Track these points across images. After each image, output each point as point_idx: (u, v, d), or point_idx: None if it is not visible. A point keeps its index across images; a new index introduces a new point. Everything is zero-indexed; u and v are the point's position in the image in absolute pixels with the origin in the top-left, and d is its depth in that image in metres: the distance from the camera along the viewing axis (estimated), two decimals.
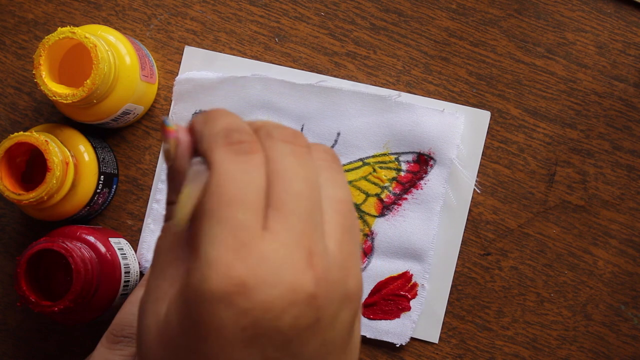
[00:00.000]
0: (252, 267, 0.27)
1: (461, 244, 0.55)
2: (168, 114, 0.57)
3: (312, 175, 0.30)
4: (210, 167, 0.29)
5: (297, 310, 0.27)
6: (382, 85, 0.56)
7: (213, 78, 0.56)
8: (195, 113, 0.56)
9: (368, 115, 0.55)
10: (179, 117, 0.56)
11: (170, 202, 0.32)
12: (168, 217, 0.32)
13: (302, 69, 0.56)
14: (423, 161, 0.55)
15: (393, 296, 0.55)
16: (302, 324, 0.28)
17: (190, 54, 0.57)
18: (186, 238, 0.31)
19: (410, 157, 0.55)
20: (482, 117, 0.55)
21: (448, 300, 0.55)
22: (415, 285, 0.55)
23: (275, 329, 0.27)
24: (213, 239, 0.28)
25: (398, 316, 0.54)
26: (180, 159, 0.31)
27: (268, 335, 0.27)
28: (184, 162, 0.31)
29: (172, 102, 0.56)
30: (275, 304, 0.27)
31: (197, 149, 0.31)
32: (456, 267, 0.55)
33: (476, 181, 0.55)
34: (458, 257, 0.55)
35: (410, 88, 0.56)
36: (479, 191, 0.55)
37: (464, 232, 0.55)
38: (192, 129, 0.32)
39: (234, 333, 0.27)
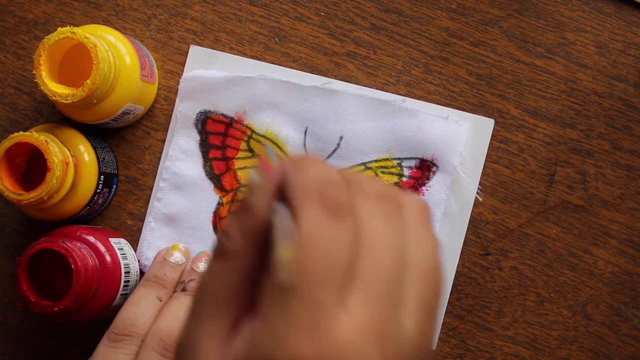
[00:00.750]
0: (319, 351, 0.25)
1: (461, 244, 0.55)
2: (170, 114, 0.57)
3: (402, 245, 0.28)
4: (297, 222, 0.27)
5: None
6: (382, 85, 0.56)
7: (219, 77, 0.56)
8: (200, 112, 0.56)
9: (372, 120, 0.55)
10: (182, 116, 0.56)
11: (230, 237, 0.29)
12: (220, 252, 0.29)
13: (302, 69, 0.56)
14: (426, 167, 0.55)
15: None
16: None
17: (196, 53, 0.56)
18: (237, 291, 0.28)
19: (412, 163, 0.55)
20: (486, 125, 0.55)
21: (448, 301, 0.55)
22: None
23: None
24: (286, 312, 0.26)
25: None
26: (262, 196, 0.29)
27: None
28: (262, 204, 0.29)
29: (177, 100, 0.56)
30: None
31: (284, 196, 0.28)
32: (456, 267, 0.55)
33: (478, 188, 0.55)
34: (458, 256, 0.55)
35: (410, 88, 0.56)
36: (480, 199, 0.55)
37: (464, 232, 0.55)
38: (281, 171, 0.29)
39: None
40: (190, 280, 0.52)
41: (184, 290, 0.52)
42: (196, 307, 0.29)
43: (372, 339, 0.26)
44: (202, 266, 0.53)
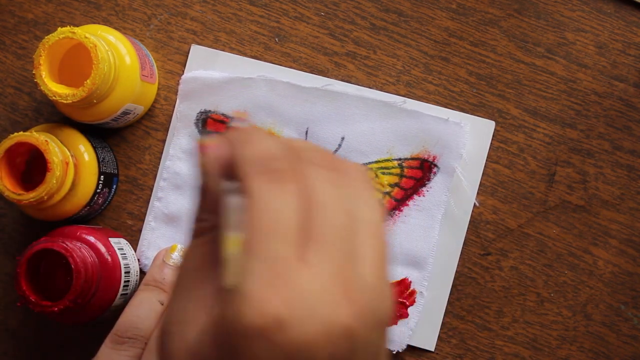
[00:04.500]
0: (288, 302, 0.27)
1: (461, 244, 0.55)
2: (170, 114, 0.57)
3: (349, 203, 0.30)
4: (247, 195, 0.29)
5: (333, 345, 0.27)
6: (382, 85, 0.56)
7: (219, 78, 0.56)
8: (200, 112, 0.56)
9: (373, 121, 0.55)
10: (183, 115, 0.56)
11: (200, 220, 0.32)
12: (196, 234, 0.32)
13: (302, 69, 0.56)
14: (426, 168, 0.55)
15: None
16: (338, 357, 0.27)
17: (197, 52, 0.57)
18: (215, 259, 0.30)
19: (413, 164, 0.55)
20: (487, 127, 0.55)
21: (448, 301, 0.55)
22: (413, 292, 0.55)
23: None
24: (249, 271, 0.27)
25: (395, 323, 0.54)
26: (212, 177, 0.31)
27: None
28: (215, 181, 0.31)
29: (177, 100, 0.56)
30: (312, 340, 0.27)
31: (232, 171, 0.30)
32: (456, 267, 0.55)
33: (477, 194, 0.55)
34: (458, 257, 0.55)
35: (410, 88, 0.56)
36: (477, 204, 0.55)
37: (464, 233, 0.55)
38: (226, 146, 0.31)
39: None
40: None
41: None
42: (180, 282, 0.31)
43: (335, 286, 0.28)
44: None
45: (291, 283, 0.27)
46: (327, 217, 0.29)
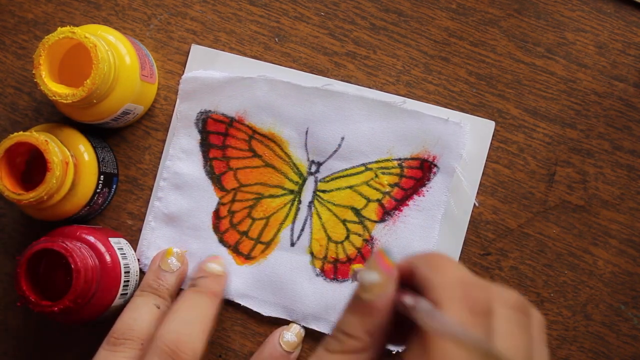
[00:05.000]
0: None
1: (461, 244, 0.55)
2: (170, 114, 0.57)
3: (529, 352, 0.30)
4: (444, 314, 0.29)
5: None
6: (382, 85, 0.56)
7: (219, 78, 0.56)
8: (200, 112, 0.56)
9: (373, 121, 0.55)
10: (183, 115, 0.56)
11: (350, 336, 0.31)
12: (338, 350, 0.31)
13: (302, 69, 0.56)
14: (426, 168, 0.55)
15: None
16: None
17: (197, 52, 0.57)
18: None
19: (413, 164, 0.55)
20: (487, 127, 0.55)
21: None
22: None
23: None
24: None
25: None
26: (384, 299, 0.31)
27: None
28: (386, 303, 0.30)
29: (177, 100, 0.56)
30: None
31: (420, 291, 0.30)
32: None
33: (477, 195, 0.55)
34: (458, 257, 0.55)
35: (410, 88, 0.56)
36: (477, 204, 0.55)
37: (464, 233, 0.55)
38: (409, 268, 0.31)
39: None
40: (200, 277, 0.51)
41: (193, 286, 0.51)
42: None
43: None
44: (211, 267, 0.52)
45: None
46: None
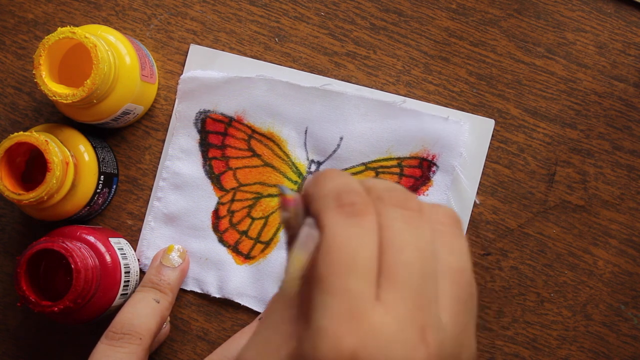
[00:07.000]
0: (363, 340, 0.26)
1: None
2: (170, 114, 0.57)
3: (425, 243, 0.29)
4: (321, 230, 0.29)
5: None
6: (382, 85, 0.56)
7: (218, 77, 0.56)
8: (199, 112, 0.56)
9: (372, 121, 0.55)
10: (182, 115, 0.56)
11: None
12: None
13: (302, 69, 0.56)
14: (426, 167, 0.55)
15: None
16: None
17: (196, 52, 0.57)
18: (300, 300, 0.30)
19: (412, 163, 0.55)
20: (486, 125, 0.55)
21: None
22: None
23: None
24: (324, 307, 0.27)
25: None
26: (297, 227, 0.31)
27: None
28: (297, 225, 0.31)
29: (176, 100, 0.56)
30: None
31: (309, 211, 0.30)
32: None
33: (478, 193, 0.55)
34: None
35: (410, 88, 0.56)
36: (478, 202, 0.55)
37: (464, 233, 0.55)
38: (304, 190, 0.31)
39: None
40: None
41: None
42: (269, 315, 0.31)
43: (411, 327, 0.27)
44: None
45: (366, 321, 0.27)
46: (404, 258, 0.28)
